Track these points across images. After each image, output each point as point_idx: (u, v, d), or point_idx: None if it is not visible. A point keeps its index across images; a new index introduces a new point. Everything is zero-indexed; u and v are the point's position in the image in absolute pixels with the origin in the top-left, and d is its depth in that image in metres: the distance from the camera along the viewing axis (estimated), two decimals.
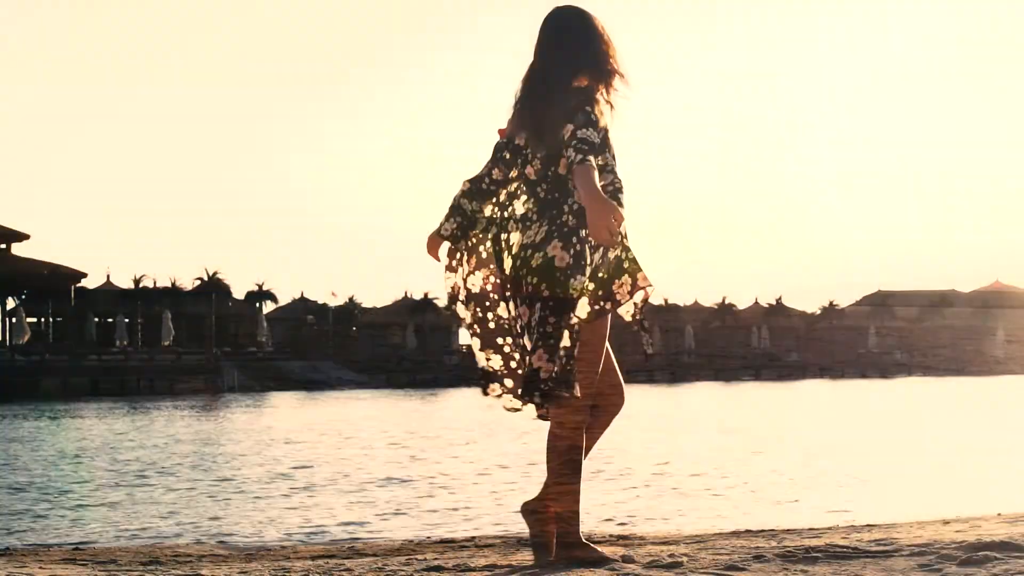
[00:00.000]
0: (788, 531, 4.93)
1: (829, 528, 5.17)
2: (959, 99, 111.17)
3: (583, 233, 3.15)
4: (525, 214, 3.29)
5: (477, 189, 3.41)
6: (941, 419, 22.83)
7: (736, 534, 4.94)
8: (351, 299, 62.22)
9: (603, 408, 3.42)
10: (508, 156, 3.34)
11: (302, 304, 63.10)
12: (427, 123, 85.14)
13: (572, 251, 3.14)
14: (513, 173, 3.35)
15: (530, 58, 3.33)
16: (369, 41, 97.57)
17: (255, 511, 8.63)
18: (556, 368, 3.12)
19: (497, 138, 3.40)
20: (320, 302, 62.99)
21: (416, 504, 8.96)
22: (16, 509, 8.89)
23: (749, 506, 8.56)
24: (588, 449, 3.43)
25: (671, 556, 3.37)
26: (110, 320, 51.04)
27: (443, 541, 5.35)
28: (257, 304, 57.93)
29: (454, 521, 7.59)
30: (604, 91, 3.22)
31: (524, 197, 3.32)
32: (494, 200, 3.43)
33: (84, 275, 51.36)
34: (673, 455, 13.93)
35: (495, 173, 3.38)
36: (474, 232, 3.44)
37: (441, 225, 3.45)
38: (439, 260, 3.50)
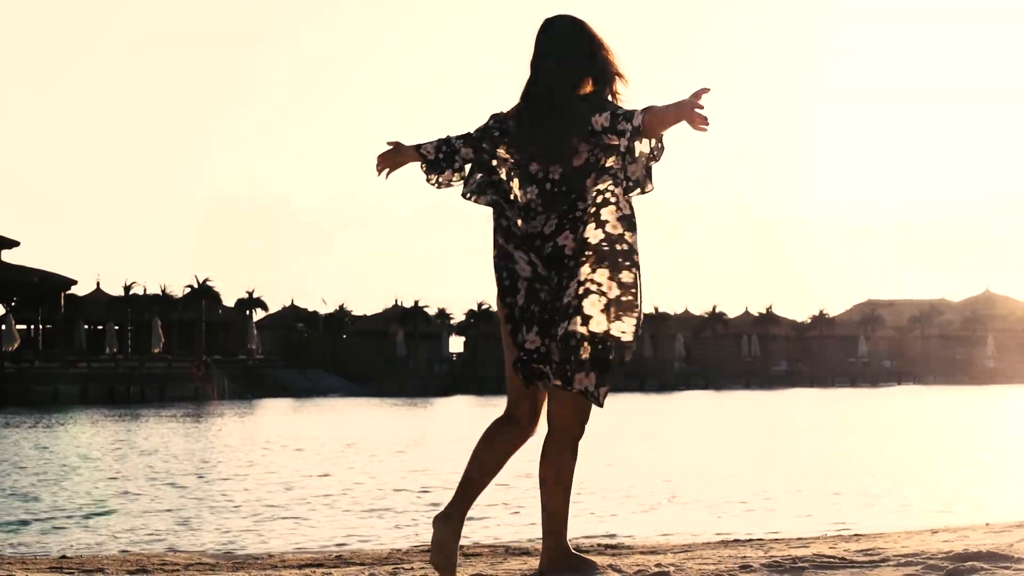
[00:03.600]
0: (775, 540, 4.94)
1: (816, 538, 5.17)
2: (949, 109, 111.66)
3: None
4: (528, 204, 3.26)
5: (470, 138, 3.34)
6: (927, 430, 22.88)
7: (724, 543, 4.94)
8: (341, 307, 62.12)
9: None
10: (497, 135, 3.30)
11: (292, 312, 62.97)
12: (415, 128, 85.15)
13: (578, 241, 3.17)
14: (501, 150, 3.30)
15: (517, 69, 3.33)
16: (354, 47, 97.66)
17: (244, 519, 8.60)
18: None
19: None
20: (310, 310, 62.88)
21: (406, 512, 8.94)
22: (5, 518, 8.85)
23: (737, 515, 8.56)
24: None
25: (658, 566, 3.37)
26: (100, 327, 50.85)
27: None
28: (247, 312, 57.79)
29: None
30: (612, 96, 3.22)
31: (531, 187, 3.27)
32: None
33: (74, 282, 51.21)
34: (661, 464, 13.93)
35: (485, 144, 3.34)
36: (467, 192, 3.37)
37: (423, 144, 3.35)
38: (381, 169, 3.36)
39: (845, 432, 22.17)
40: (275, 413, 33.12)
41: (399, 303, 63.36)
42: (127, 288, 54.07)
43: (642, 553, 4.30)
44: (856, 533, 5.59)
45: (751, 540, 5.01)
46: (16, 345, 45.15)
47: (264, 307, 58.94)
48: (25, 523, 8.55)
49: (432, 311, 62.27)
